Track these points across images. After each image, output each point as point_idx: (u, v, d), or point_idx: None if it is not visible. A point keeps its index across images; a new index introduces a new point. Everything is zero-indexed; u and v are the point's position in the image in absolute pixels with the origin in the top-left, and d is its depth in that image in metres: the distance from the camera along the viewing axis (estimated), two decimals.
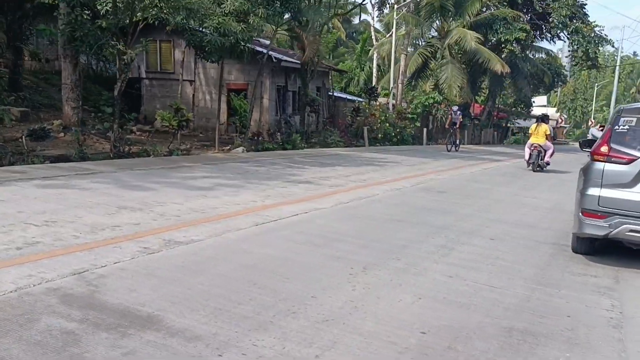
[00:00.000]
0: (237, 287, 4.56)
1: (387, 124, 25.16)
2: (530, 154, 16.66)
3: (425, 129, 28.81)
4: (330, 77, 28.66)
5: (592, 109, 67.13)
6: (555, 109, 61.35)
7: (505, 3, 30.09)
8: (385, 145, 24.87)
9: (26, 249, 5.10)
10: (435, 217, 8.43)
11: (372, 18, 39.55)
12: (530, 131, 17.64)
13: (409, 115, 27.84)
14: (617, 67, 64.13)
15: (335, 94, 27.69)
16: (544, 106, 57.98)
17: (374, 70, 37.33)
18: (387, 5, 34.68)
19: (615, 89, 66.42)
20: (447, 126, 24.25)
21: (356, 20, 52.67)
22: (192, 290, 4.40)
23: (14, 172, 9.08)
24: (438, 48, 29.53)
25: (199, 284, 4.57)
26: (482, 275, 5.50)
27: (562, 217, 9.41)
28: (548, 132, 16.56)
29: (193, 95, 24.63)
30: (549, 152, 16.65)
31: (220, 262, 5.25)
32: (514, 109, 44.74)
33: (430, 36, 30.37)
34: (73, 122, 17.19)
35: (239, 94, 23.17)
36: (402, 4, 27.46)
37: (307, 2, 18.23)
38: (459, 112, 23.62)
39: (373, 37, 37.49)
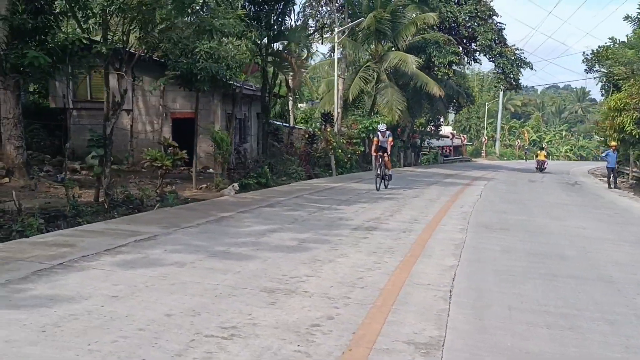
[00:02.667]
0: None
1: (340, 151, 24.22)
2: (538, 163, 34.70)
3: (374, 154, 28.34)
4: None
5: (484, 126, 71.11)
6: (451, 127, 64.11)
7: (435, 27, 30.55)
8: (339, 172, 23.88)
9: None
10: (568, 267, 7.65)
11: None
12: (538, 152, 37.96)
13: (355, 141, 27.16)
14: (500, 91, 68.65)
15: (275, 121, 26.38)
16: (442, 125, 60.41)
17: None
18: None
19: (500, 107, 71.16)
20: (373, 152, 16.76)
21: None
22: None
23: (62, 245, 6.88)
24: (376, 72, 29.20)
25: None
26: None
27: None
28: (546, 154, 36.10)
29: (131, 126, 22.09)
30: (546, 163, 34.93)
31: None
32: (423, 128, 45.67)
33: (366, 60, 30.00)
34: (18, 165, 14.45)
35: (185, 124, 21.13)
36: (342, 28, 26.80)
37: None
38: (388, 132, 16.33)
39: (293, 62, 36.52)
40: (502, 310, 5.38)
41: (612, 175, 25.10)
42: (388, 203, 13.28)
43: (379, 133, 16.59)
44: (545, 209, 14.55)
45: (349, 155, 25.16)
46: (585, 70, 34.77)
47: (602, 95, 36.05)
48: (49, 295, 4.95)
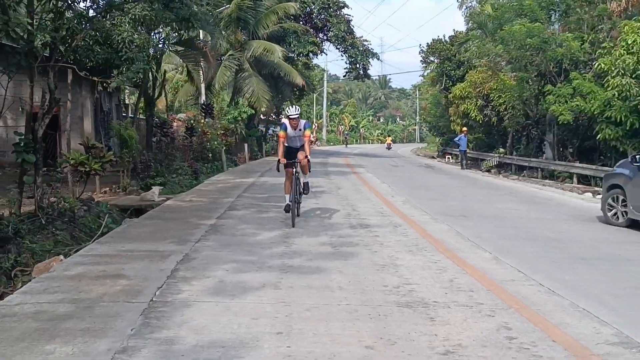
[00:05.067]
0: None
1: (215, 143, 23.27)
2: (388, 144, 54.26)
3: (246, 145, 27.63)
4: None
5: (313, 114, 73.44)
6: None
7: (292, 17, 30.63)
8: (219, 165, 22.98)
9: None
10: (579, 250, 8.32)
11: None
12: (386, 137, 65.05)
13: (228, 132, 26.25)
14: (325, 79, 71.84)
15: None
16: None
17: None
18: None
19: (325, 94, 74.17)
20: (281, 158, 9.45)
21: None
22: None
23: (109, 277, 5.67)
24: (239, 61, 28.41)
25: None
26: None
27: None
28: (392, 139, 62.61)
29: None
30: (392, 145, 55.25)
31: None
32: (265, 117, 45.75)
33: (227, 48, 28.96)
34: None
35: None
36: None
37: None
38: (303, 121, 9.77)
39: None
40: (625, 299, 5.68)
41: (464, 157, 27.70)
42: (328, 197, 13.19)
43: (286, 123, 9.61)
44: (454, 193, 15.63)
45: (224, 148, 24.31)
46: (421, 60, 37.90)
47: (436, 84, 39.42)
48: (209, 342, 4.12)
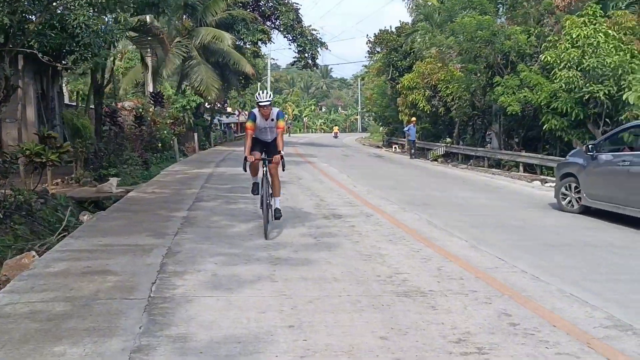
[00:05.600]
0: None
1: (165, 132, 22.71)
2: (335, 134, 62.16)
3: (195, 134, 27.05)
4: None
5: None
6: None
7: (240, 4, 30.14)
8: (169, 156, 22.46)
9: None
10: (543, 235, 8.63)
11: None
12: (334, 127, 69.91)
13: (178, 121, 25.62)
14: (269, 68, 71.44)
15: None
16: None
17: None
18: None
19: (269, 83, 73.69)
20: (249, 155, 7.54)
21: None
22: None
23: (95, 273, 5.42)
24: (188, 48, 27.72)
25: None
26: None
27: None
28: (338, 129, 67.25)
29: None
30: (338, 134, 62.80)
31: None
32: (210, 105, 45.04)
33: (174, 35, 28.17)
34: None
35: None
36: None
37: None
38: (276, 110, 7.82)
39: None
40: (604, 283, 5.93)
41: (412, 147, 28.16)
42: (292, 188, 13.11)
43: (255, 112, 7.79)
44: (410, 182, 15.92)
45: (173, 137, 23.77)
46: (368, 51, 38.20)
47: (382, 74, 39.80)
48: (223, 337, 4.04)
